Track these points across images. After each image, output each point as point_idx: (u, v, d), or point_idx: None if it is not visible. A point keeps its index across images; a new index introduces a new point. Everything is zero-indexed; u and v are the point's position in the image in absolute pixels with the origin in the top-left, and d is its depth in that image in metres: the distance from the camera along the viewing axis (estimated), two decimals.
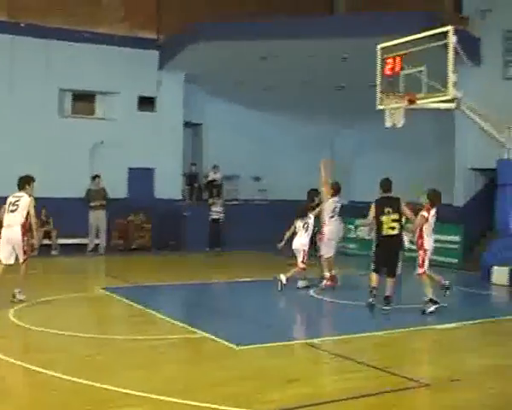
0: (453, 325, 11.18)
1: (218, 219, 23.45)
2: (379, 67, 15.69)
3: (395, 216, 12.32)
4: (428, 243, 12.50)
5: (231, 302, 13.91)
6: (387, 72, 15.45)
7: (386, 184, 12.70)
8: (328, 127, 27.61)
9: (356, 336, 10.44)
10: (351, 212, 20.77)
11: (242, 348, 9.26)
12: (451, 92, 14.59)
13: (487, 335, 10.86)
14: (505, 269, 15.85)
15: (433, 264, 18.92)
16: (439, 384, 7.90)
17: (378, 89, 15.68)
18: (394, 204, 12.38)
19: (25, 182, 13.03)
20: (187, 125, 25.05)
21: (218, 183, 24.86)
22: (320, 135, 27.61)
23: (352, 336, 10.38)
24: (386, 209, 12.38)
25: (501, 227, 16.62)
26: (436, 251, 19.25)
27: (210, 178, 24.98)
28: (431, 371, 8.53)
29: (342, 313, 12.77)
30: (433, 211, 12.44)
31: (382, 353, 9.58)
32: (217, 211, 23.49)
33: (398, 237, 12.46)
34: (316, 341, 9.64)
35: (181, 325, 10.80)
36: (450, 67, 14.52)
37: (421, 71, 15.06)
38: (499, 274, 15.98)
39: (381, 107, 15.53)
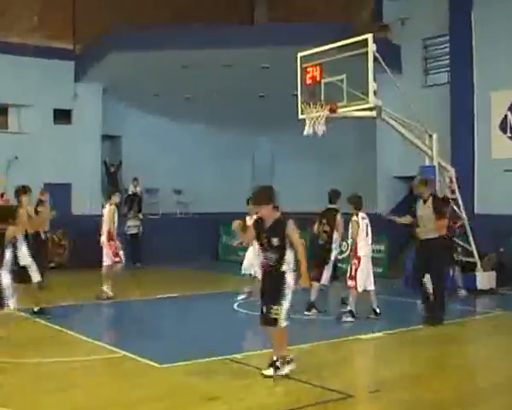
0: (377, 334, 11.39)
1: (137, 233, 23.28)
2: (299, 77, 15.88)
3: (326, 228, 13.33)
4: (364, 249, 12.77)
5: (153, 320, 13.80)
6: (308, 81, 15.65)
7: (330, 195, 13.63)
8: (248, 137, 27.76)
9: None
10: None
11: (164, 366, 9.22)
12: (372, 100, 14.87)
13: (407, 344, 11.10)
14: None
15: None
16: (361, 395, 8.02)
17: (299, 98, 15.86)
18: (330, 216, 13.25)
19: (108, 193, 16.69)
20: (105, 137, 24.80)
21: (139, 196, 24.69)
22: (241, 145, 27.74)
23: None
24: (323, 220, 13.44)
25: None
26: None
27: (130, 192, 24.78)
28: (354, 382, 8.64)
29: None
30: (361, 214, 12.79)
31: (306, 365, 9.64)
32: (135, 225, 23.31)
33: (324, 246, 13.39)
34: (238, 356, 9.66)
35: (100, 344, 10.68)
36: (370, 75, 14.77)
37: (341, 80, 15.32)
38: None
39: (302, 116, 15.70)
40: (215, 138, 27.17)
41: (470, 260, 16.69)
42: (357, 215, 12.80)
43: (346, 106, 15.32)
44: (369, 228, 12.98)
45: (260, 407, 7.49)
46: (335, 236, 13.43)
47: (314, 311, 13.23)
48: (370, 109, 15.32)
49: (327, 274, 13.41)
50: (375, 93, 14.89)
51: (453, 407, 7.60)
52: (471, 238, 16.82)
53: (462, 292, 15.90)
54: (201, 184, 26.38)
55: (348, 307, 12.67)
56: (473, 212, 18.92)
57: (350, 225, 12.88)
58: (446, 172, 17.25)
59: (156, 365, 9.22)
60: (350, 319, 12.56)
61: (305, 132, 15.48)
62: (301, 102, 15.71)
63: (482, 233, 17.19)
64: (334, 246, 13.46)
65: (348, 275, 12.85)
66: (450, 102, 20.43)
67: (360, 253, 12.78)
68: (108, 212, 15.97)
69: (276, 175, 28.24)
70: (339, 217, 13.41)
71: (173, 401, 7.73)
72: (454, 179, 17.17)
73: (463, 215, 16.85)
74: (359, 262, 12.74)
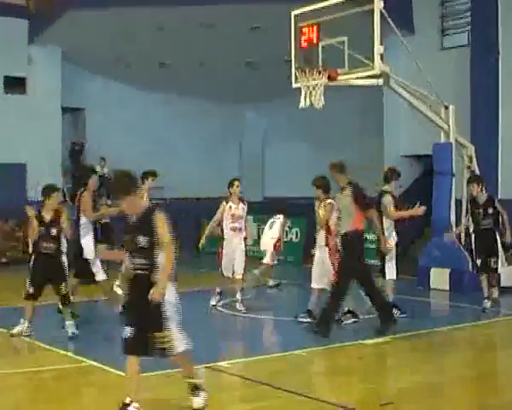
0: (384, 338, 11.56)
1: (108, 222, 23.28)
2: (293, 39, 15.95)
3: None
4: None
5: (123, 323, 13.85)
6: (303, 43, 15.73)
7: (386, 175, 13.66)
8: (235, 111, 27.83)
9: (272, 356, 10.65)
10: (264, 210, 21.01)
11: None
12: (378, 66, 14.97)
13: (419, 349, 11.26)
14: (445, 271, 16.34)
15: None
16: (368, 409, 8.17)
17: (293, 64, 15.94)
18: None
19: (141, 176, 15.18)
20: (66, 110, 24.79)
21: (107, 179, 24.69)
22: (226, 120, 27.82)
23: (268, 357, 10.59)
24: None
25: (438, 222, 17.05)
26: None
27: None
28: (357, 395, 8.79)
29: (257, 329, 12.97)
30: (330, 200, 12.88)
31: (303, 374, 9.81)
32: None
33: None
34: (224, 364, 9.79)
35: (63, 352, 10.77)
36: (377, 36, 14.87)
37: (342, 42, 15.40)
38: (438, 278, 16.48)
39: (296, 85, 15.79)
40: (195, 112, 27.25)
41: None
42: (327, 199, 12.83)
43: (347, 73, 15.40)
44: None
45: None
46: (386, 223, 13.18)
47: (397, 311, 13.06)
48: (376, 77, 15.42)
49: (391, 269, 13.30)
50: (381, 58, 14.99)
51: None
52: None
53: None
54: (179, 165, 26.40)
55: (346, 308, 12.79)
56: (496, 196, 19.08)
57: (320, 211, 12.77)
58: (464, 149, 17.39)
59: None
60: (352, 320, 12.72)
61: (300, 104, 15.56)
62: (295, 69, 15.79)
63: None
64: (386, 234, 13.13)
65: (334, 273, 12.63)
66: (470, 68, 20.52)
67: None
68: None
69: (266, 156, 28.38)
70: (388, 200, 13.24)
71: None
72: (474, 159, 17.31)
73: None
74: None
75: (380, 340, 11.45)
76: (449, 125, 16.94)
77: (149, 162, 25.61)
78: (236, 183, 14.54)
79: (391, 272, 13.26)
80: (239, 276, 14.34)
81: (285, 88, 16.52)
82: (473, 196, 14.63)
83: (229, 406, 8.23)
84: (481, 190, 14.61)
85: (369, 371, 10.03)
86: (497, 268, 14.30)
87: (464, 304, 14.90)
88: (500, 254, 14.39)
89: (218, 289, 14.74)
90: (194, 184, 25.95)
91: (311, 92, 15.33)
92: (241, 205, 14.48)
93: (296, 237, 22.74)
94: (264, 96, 26.24)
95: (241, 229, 14.45)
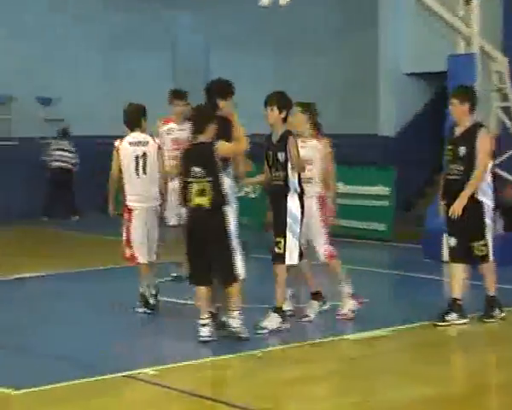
0: (375, 333, 11.67)
1: None
2: None
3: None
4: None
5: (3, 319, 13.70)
6: None
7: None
8: (163, 13, 27.77)
9: (220, 358, 10.66)
10: None
11: (23, 392, 9.25)
12: None
13: (426, 346, 11.32)
14: None
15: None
16: None
17: None
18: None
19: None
20: None
21: None
22: (154, 28, 27.64)
23: (212, 360, 10.60)
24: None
25: None
26: (346, 212, 19.64)
27: None
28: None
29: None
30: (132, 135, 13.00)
31: (259, 383, 9.81)
32: None
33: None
34: (149, 371, 9.83)
35: None
36: None
37: None
38: None
39: None
40: (110, 19, 27.27)
41: None
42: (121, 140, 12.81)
43: None
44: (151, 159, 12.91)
45: None
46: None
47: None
48: None
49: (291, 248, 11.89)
50: None
51: None
52: None
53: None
54: (86, 92, 26.22)
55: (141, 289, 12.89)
56: None
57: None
58: (494, 64, 17.37)
59: (9, 392, 9.26)
60: (142, 309, 12.80)
61: (260, 1, 15.53)
62: None
63: None
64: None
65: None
66: None
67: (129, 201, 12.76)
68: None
69: (211, 73, 28.28)
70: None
71: None
72: (507, 77, 17.30)
73: None
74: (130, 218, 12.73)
75: (371, 334, 11.49)
76: (471, 29, 16.84)
77: (41, 85, 25.51)
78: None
79: (290, 254, 11.82)
80: None
81: None
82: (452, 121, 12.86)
83: None
84: (469, 112, 12.21)
85: (356, 379, 10.04)
86: (487, 256, 12.50)
87: None
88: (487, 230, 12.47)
89: None
90: (104, 119, 25.60)
91: None
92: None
93: None
94: None
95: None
